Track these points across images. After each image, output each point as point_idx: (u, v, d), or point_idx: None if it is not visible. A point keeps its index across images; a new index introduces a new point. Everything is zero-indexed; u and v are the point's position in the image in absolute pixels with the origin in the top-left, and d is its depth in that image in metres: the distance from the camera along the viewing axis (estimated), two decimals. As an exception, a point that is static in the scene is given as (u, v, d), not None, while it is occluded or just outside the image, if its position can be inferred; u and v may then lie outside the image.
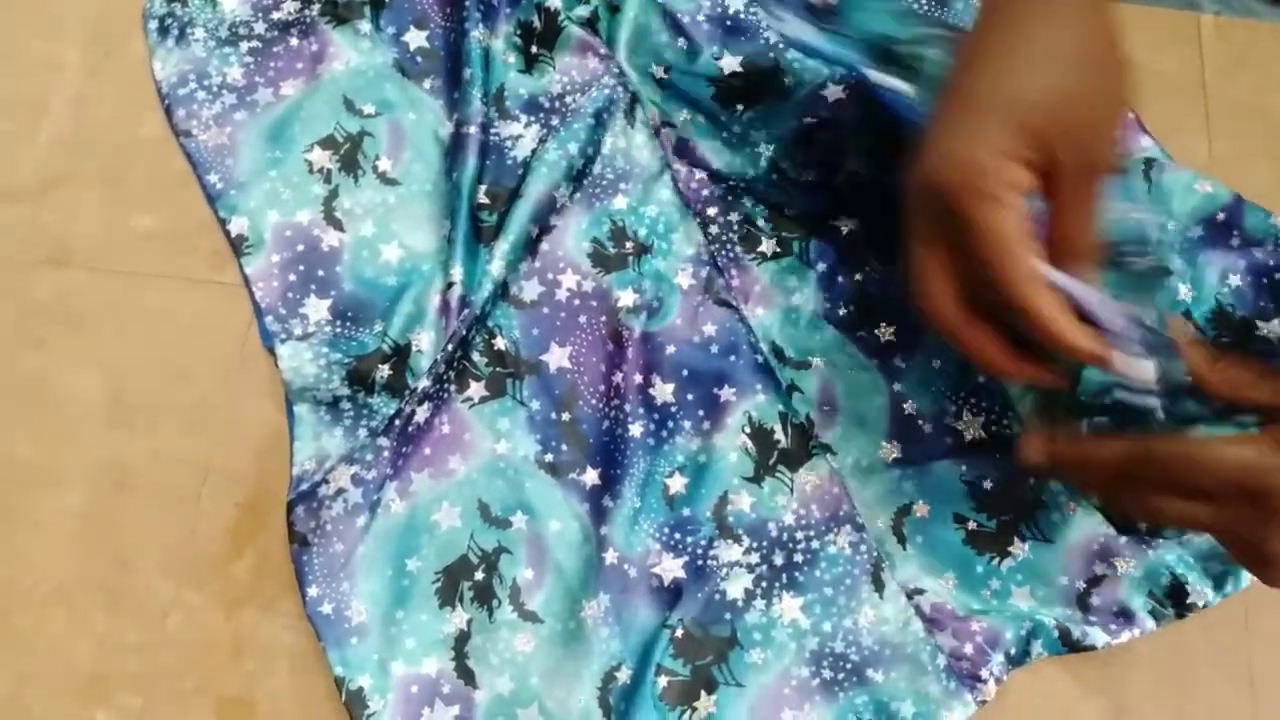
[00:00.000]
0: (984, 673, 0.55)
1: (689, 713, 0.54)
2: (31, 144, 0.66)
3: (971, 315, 0.44)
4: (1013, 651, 0.55)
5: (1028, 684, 0.56)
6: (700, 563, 0.57)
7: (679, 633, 0.55)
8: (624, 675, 0.55)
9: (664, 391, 0.60)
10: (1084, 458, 0.47)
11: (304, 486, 0.56)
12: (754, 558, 0.57)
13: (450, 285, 0.61)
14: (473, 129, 0.65)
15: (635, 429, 0.59)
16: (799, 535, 0.58)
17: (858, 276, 0.63)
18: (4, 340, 0.62)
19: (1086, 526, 0.58)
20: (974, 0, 0.71)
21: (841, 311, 0.63)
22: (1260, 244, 0.62)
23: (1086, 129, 0.40)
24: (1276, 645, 0.57)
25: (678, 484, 0.58)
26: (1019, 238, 0.40)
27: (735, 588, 0.56)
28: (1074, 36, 0.40)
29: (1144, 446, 0.44)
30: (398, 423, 0.57)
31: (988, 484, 0.59)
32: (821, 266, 0.64)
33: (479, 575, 0.57)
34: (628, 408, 0.59)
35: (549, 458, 0.59)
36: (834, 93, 0.62)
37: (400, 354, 0.60)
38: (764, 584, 0.57)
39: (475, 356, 0.61)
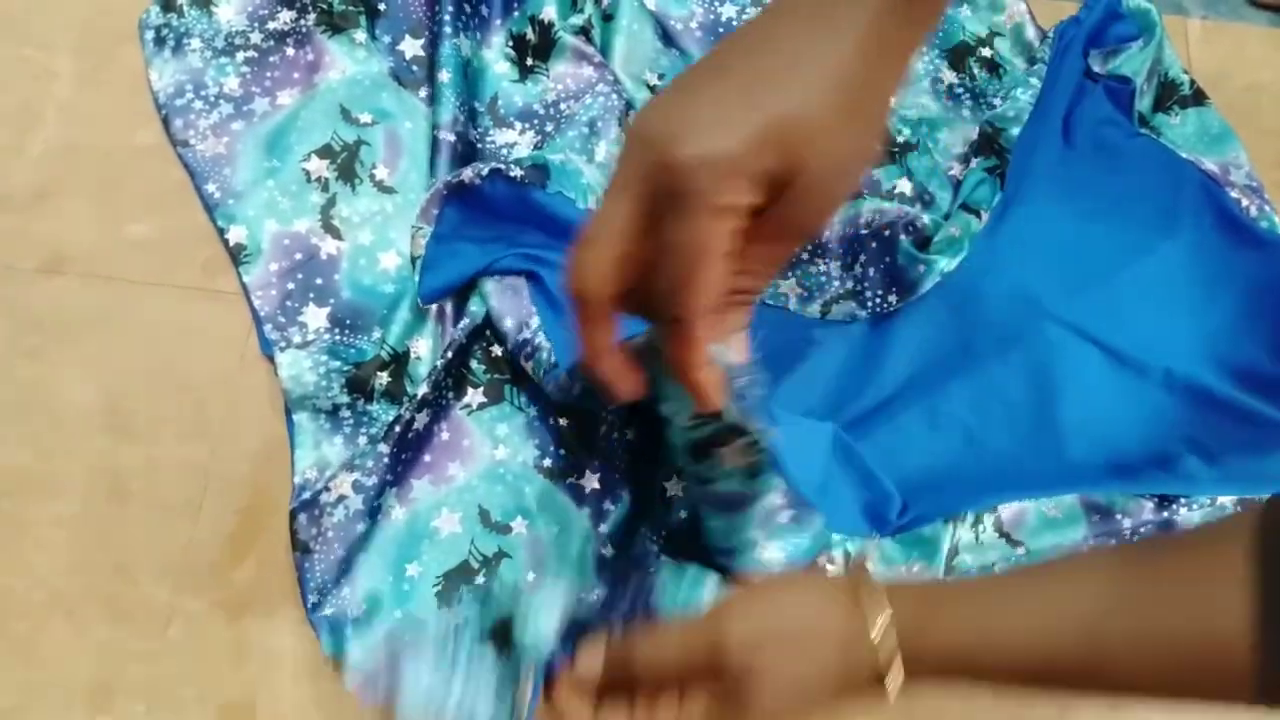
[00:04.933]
0: None
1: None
2: (25, 154, 0.66)
3: (615, 291, 0.37)
4: None
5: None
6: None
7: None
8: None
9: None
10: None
11: (306, 494, 0.56)
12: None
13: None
14: (449, 134, 0.64)
15: (631, 433, 0.59)
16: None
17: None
18: None
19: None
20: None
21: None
22: None
23: (838, 158, 0.35)
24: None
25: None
26: (717, 260, 0.35)
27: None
28: (854, 54, 0.34)
29: (620, 656, 0.43)
30: (397, 429, 0.58)
31: None
32: None
33: (480, 580, 0.57)
34: (624, 411, 0.60)
35: (548, 463, 0.59)
36: None
37: (399, 361, 0.61)
38: None
39: (473, 364, 0.61)
